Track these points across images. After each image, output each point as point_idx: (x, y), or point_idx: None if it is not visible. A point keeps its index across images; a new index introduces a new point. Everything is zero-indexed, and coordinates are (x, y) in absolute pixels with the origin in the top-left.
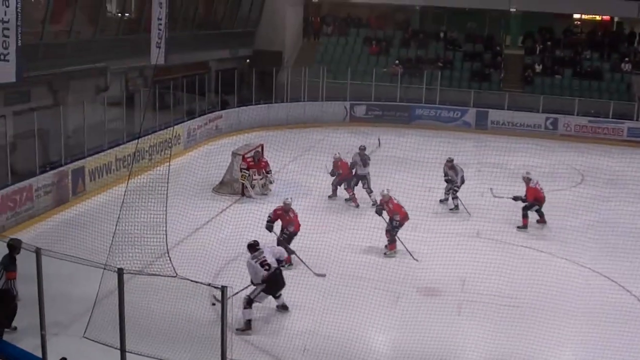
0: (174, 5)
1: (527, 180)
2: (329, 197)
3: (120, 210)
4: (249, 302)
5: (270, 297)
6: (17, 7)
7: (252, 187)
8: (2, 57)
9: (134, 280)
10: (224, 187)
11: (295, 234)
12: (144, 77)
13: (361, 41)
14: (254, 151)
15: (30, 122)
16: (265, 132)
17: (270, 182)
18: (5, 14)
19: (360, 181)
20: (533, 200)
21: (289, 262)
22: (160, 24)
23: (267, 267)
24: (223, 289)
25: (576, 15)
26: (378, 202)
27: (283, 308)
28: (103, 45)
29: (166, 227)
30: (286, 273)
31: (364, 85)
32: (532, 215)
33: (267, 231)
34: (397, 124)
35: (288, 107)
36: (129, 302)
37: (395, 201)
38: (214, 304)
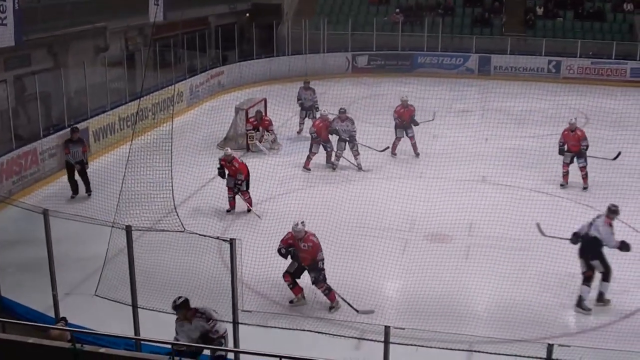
0: None
1: None
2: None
3: (125, 169)
4: None
5: None
6: None
7: (261, 141)
8: None
9: (142, 238)
10: (228, 142)
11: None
12: (144, 35)
13: None
14: (255, 110)
15: (32, 86)
16: (267, 86)
17: (274, 141)
18: None
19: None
20: None
21: None
22: None
23: None
24: (232, 242)
25: None
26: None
27: None
28: (101, 4)
29: (172, 183)
30: (293, 223)
31: (365, 35)
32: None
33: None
34: (399, 72)
35: (289, 60)
36: (139, 259)
37: (240, 160)
38: None
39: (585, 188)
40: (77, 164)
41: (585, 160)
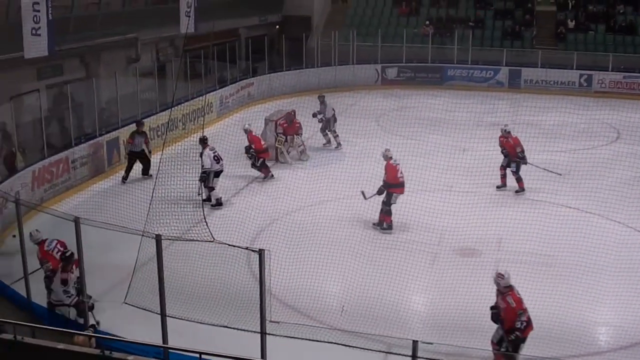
0: None
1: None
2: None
3: (156, 179)
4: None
5: None
6: None
7: (288, 152)
8: (33, 31)
9: (172, 247)
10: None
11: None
12: (175, 46)
13: (391, 2)
14: (286, 115)
15: (64, 95)
16: (296, 98)
17: (302, 152)
18: None
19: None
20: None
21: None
22: None
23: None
24: (260, 252)
25: None
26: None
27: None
28: (133, 16)
29: (202, 194)
30: (321, 235)
31: (395, 47)
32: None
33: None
34: (430, 85)
35: (319, 72)
36: (168, 268)
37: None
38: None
39: None
40: (138, 153)
41: None
